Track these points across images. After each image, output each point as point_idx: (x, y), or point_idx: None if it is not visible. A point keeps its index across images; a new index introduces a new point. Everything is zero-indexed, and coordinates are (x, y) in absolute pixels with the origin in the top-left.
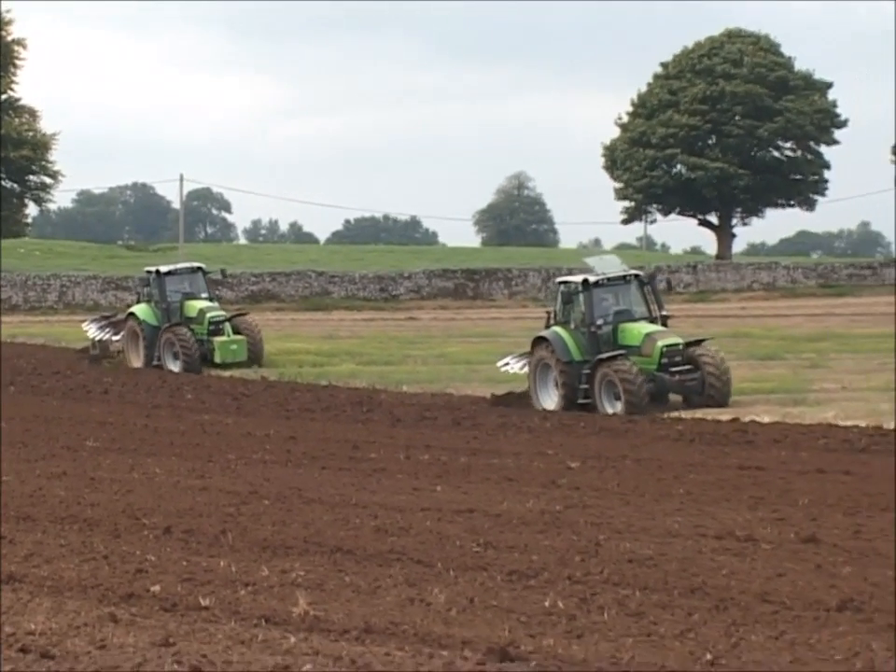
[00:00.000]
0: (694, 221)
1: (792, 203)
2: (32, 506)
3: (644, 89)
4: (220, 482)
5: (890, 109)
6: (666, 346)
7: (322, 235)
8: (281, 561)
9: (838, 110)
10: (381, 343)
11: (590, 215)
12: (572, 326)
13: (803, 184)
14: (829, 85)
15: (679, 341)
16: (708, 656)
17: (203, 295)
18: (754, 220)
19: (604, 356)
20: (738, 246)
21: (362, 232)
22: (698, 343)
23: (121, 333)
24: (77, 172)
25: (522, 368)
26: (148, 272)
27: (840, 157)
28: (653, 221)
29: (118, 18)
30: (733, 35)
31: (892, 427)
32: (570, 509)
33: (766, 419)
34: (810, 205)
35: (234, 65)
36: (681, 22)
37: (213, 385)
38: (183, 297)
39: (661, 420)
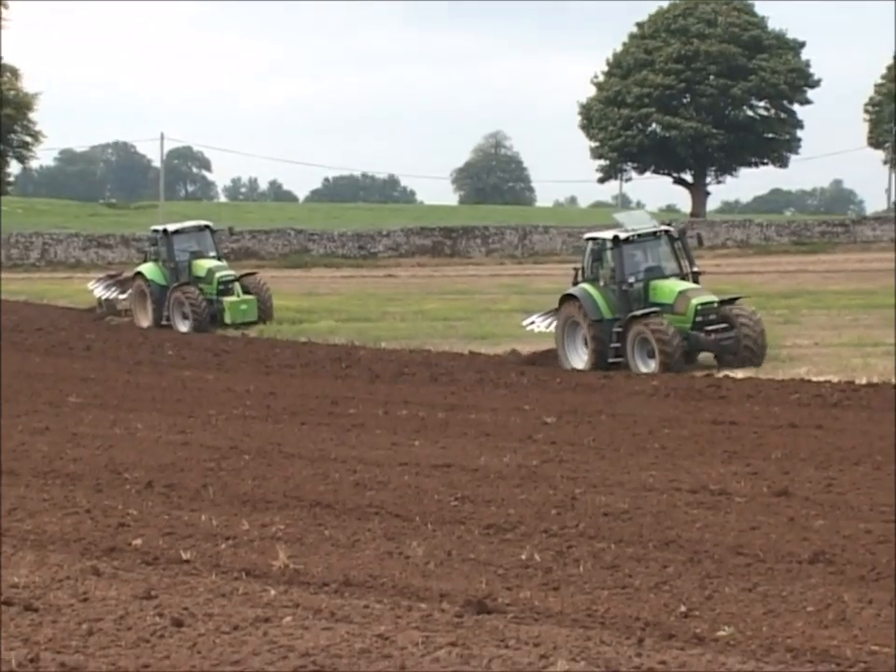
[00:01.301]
0: (669, 180)
1: (766, 161)
2: (15, 461)
3: (619, 48)
4: (201, 437)
5: (864, 69)
6: (701, 304)
7: (301, 193)
8: (261, 515)
9: (811, 69)
10: (360, 300)
11: (566, 173)
12: (601, 283)
13: (776, 142)
14: (802, 44)
15: (714, 299)
16: (683, 608)
17: (212, 254)
18: (728, 178)
19: (637, 313)
20: (713, 204)
21: (341, 191)
22: (732, 301)
23: (128, 292)
24: (59, 131)
25: (548, 326)
26: (156, 230)
27: (813, 116)
28: (629, 180)
29: None
30: None
31: (864, 381)
32: (546, 463)
33: (740, 375)
34: (783, 163)
35: (215, 26)
36: None
37: (193, 342)
38: (191, 256)
39: (635, 377)
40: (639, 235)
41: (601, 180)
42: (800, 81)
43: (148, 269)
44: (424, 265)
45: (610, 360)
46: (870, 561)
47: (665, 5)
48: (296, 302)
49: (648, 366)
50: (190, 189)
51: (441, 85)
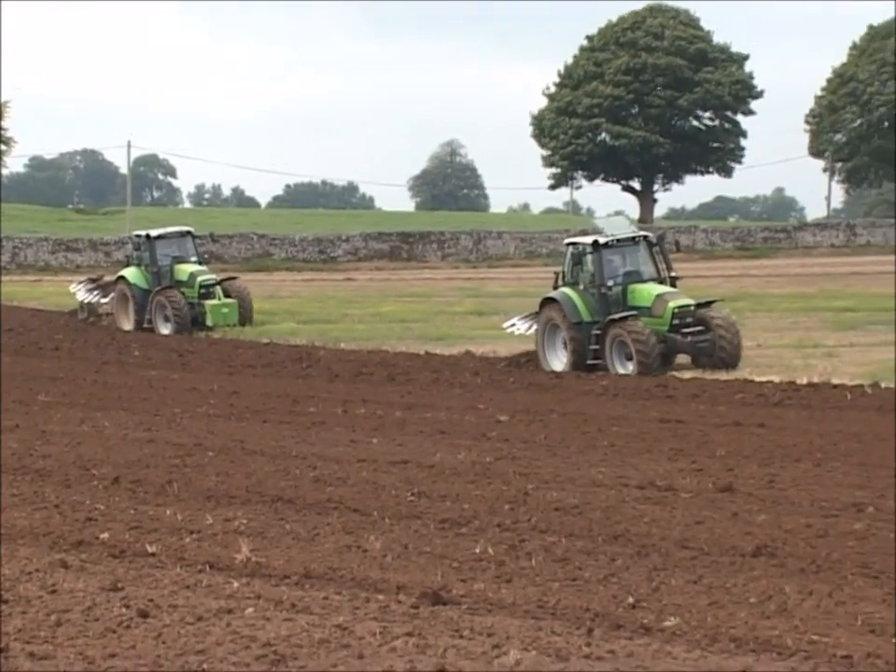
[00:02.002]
0: (618, 187)
1: (711, 169)
2: None
3: (570, 60)
4: (166, 434)
5: (805, 81)
6: (678, 307)
7: (263, 199)
8: (224, 510)
9: (754, 81)
10: (320, 303)
11: (519, 181)
12: (581, 287)
13: (720, 152)
14: (745, 57)
15: (691, 302)
16: (631, 599)
17: (193, 258)
18: (674, 186)
19: (615, 316)
20: (660, 211)
21: (302, 197)
22: (708, 304)
23: (110, 296)
24: (29, 138)
25: (528, 329)
26: (138, 235)
27: (756, 126)
28: (579, 187)
29: None
30: (654, 10)
31: (804, 382)
32: (500, 460)
33: (686, 375)
34: (727, 172)
35: (179, 36)
36: None
37: (159, 343)
38: (173, 260)
39: (585, 377)
40: (618, 240)
41: (552, 187)
42: (743, 93)
43: (131, 273)
44: (381, 269)
45: (589, 362)
46: (810, 554)
47: (615, 19)
48: (258, 304)
49: (626, 368)
50: (156, 195)
51: (399, 96)
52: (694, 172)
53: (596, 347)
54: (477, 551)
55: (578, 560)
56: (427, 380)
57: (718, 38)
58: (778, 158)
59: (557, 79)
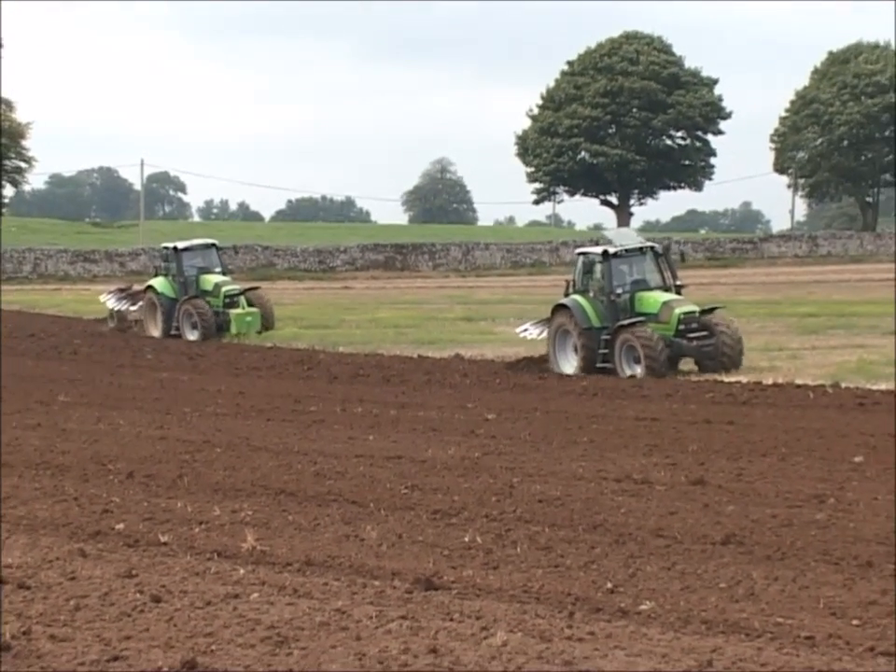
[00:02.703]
0: (597, 201)
1: (683, 185)
2: (9, 454)
3: (552, 84)
4: (177, 432)
5: (770, 103)
6: (684, 314)
7: (267, 214)
8: (231, 502)
9: (723, 103)
10: (320, 310)
11: (505, 196)
12: (591, 294)
13: (692, 169)
14: (715, 81)
15: (696, 308)
16: (609, 585)
17: (217, 269)
18: (649, 201)
19: (624, 322)
20: (635, 223)
21: (303, 211)
22: (711, 310)
23: (139, 304)
24: (49, 156)
25: (540, 334)
26: (166, 248)
27: (725, 144)
28: (561, 201)
29: (83, 17)
30: (630, 37)
31: (770, 382)
32: (487, 455)
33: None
34: (698, 187)
35: (189, 63)
36: (585, 25)
37: (171, 347)
38: (198, 271)
39: (567, 378)
40: (627, 251)
41: (536, 202)
42: (713, 114)
43: (159, 283)
44: (377, 278)
45: (598, 365)
46: (776, 542)
47: (593, 45)
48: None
49: (634, 371)
50: (167, 209)
51: (393, 116)
52: (668, 187)
53: (606, 351)
54: (466, 539)
55: (560, 548)
56: (420, 381)
57: (689, 63)
58: (746, 174)
59: (540, 102)
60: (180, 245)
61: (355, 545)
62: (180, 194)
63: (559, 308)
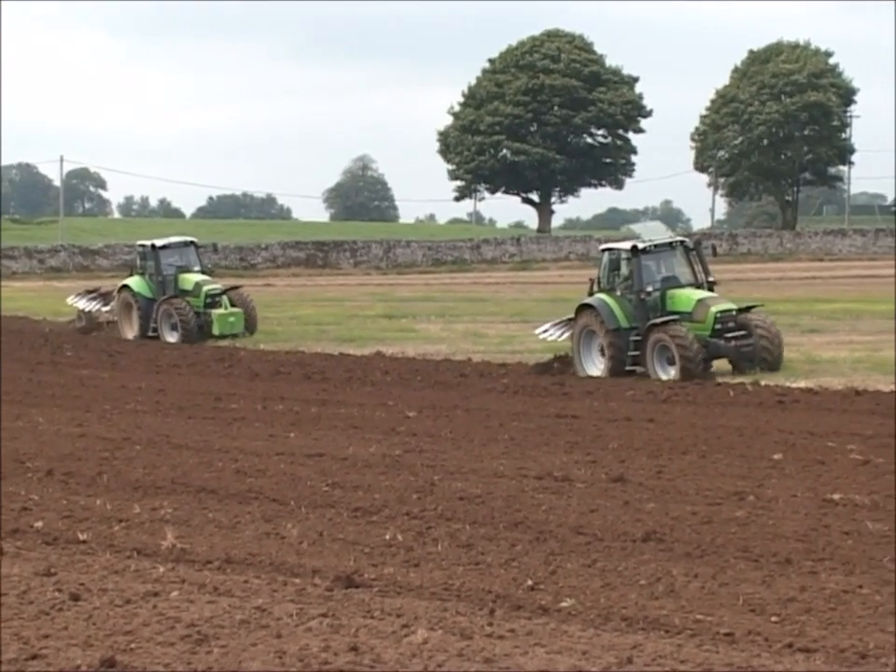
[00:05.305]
0: (518, 199)
1: (604, 183)
2: None
3: (474, 82)
4: (97, 429)
5: (691, 101)
6: (720, 312)
7: (188, 210)
8: (151, 500)
9: (644, 101)
10: None
11: (426, 193)
12: (618, 293)
13: (613, 167)
14: (636, 79)
15: (733, 307)
16: (529, 582)
17: (196, 268)
18: (570, 198)
19: (657, 321)
20: (556, 221)
21: (224, 208)
22: (749, 309)
23: (111, 305)
24: None
25: (561, 336)
26: (143, 245)
27: (646, 143)
28: (482, 199)
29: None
30: (551, 35)
31: (690, 379)
32: (408, 453)
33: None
34: (619, 185)
35: (110, 59)
36: (507, 23)
37: (90, 344)
38: (177, 270)
39: (488, 375)
40: (656, 246)
41: (457, 199)
42: (634, 112)
43: (135, 282)
44: (298, 275)
45: (628, 368)
46: (695, 539)
47: (515, 42)
48: None
49: (668, 373)
50: (87, 206)
51: (314, 114)
52: (589, 185)
53: (636, 353)
54: (387, 537)
55: (480, 546)
56: (341, 378)
57: (610, 61)
58: (666, 172)
59: (461, 99)
60: (158, 242)
61: (275, 543)
62: (100, 191)
63: (584, 308)
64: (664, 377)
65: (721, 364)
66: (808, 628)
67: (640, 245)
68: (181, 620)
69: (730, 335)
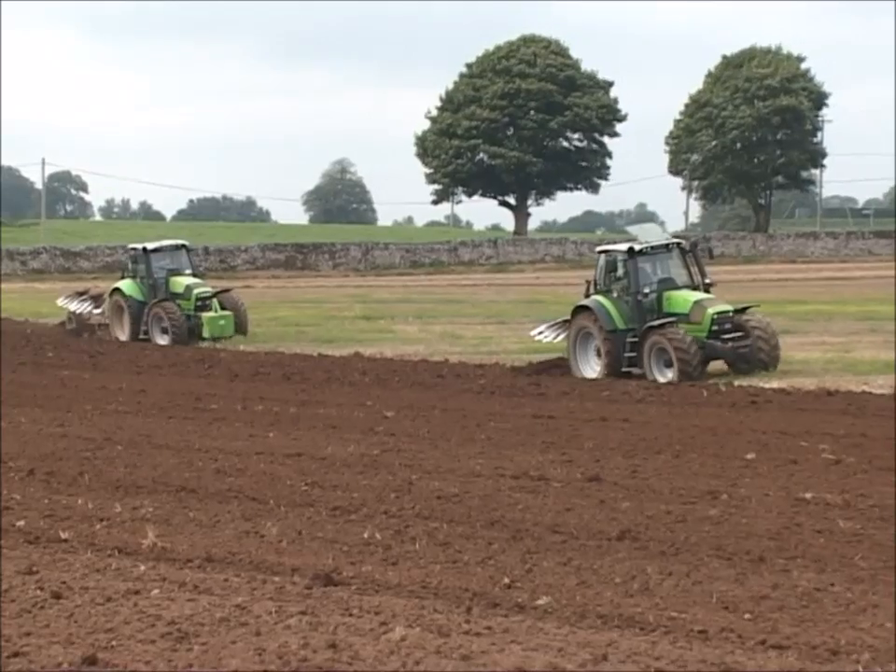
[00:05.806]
0: (495, 202)
1: (580, 186)
2: None
3: (451, 86)
4: (78, 429)
5: (665, 106)
6: (717, 313)
7: (168, 213)
8: (132, 499)
9: (619, 106)
10: None
11: (404, 196)
12: (614, 294)
13: (588, 170)
14: (611, 84)
15: (730, 308)
16: (506, 580)
17: (187, 271)
18: (546, 201)
19: (654, 323)
20: (533, 224)
21: (204, 211)
22: (744, 310)
23: (102, 307)
24: None
25: (557, 337)
26: (134, 248)
27: (621, 146)
28: (459, 202)
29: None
30: (528, 40)
31: (664, 380)
32: (386, 452)
33: (558, 374)
34: (595, 189)
35: (91, 60)
36: (484, 27)
37: (72, 345)
38: (168, 273)
39: (465, 375)
40: (653, 248)
41: (435, 202)
42: (609, 116)
43: (126, 285)
44: (278, 277)
45: (624, 369)
46: (670, 538)
47: (491, 47)
48: None
49: (665, 375)
50: (69, 208)
51: (294, 116)
52: (565, 188)
53: (632, 354)
54: (365, 536)
55: (458, 544)
56: (320, 379)
57: (586, 66)
58: (641, 176)
59: (439, 103)
60: (149, 245)
61: (255, 541)
62: (82, 193)
63: (580, 309)
64: (661, 379)
65: (717, 365)
66: (781, 625)
67: (637, 247)
68: (162, 618)
69: (727, 336)
